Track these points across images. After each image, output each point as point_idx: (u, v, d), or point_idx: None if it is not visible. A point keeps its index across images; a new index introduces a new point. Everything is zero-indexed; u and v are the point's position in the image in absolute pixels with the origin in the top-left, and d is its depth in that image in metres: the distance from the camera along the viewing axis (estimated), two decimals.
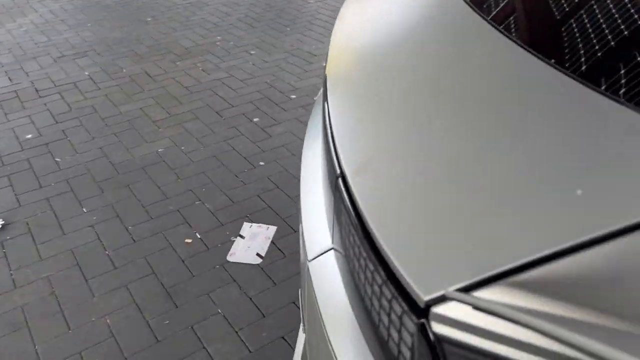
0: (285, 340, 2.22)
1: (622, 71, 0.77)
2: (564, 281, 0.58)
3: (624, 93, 0.73)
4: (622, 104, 0.72)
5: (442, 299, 0.65)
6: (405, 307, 0.69)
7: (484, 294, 0.62)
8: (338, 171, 0.94)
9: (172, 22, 5.63)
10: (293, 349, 2.20)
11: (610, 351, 0.51)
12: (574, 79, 0.80)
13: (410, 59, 1.05)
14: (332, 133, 1.05)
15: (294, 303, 2.38)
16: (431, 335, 0.66)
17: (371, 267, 0.78)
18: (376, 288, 0.77)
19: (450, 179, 0.76)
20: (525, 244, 0.62)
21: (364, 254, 0.80)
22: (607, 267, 0.57)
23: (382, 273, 0.74)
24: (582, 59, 0.83)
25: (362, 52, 1.21)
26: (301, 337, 1.50)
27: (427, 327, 0.66)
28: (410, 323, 0.68)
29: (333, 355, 0.89)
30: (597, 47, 0.85)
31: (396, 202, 0.79)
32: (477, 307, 0.56)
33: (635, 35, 0.83)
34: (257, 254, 2.63)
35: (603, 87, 0.76)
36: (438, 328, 0.65)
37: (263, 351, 2.17)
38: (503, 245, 0.64)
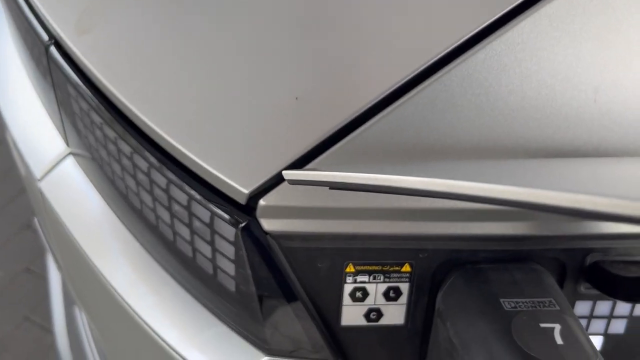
0: (32, 270, 1.83)
1: None
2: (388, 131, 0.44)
3: None
4: None
5: (270, 187, 0.45)
6: (217, 210, 0.48)
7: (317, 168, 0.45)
8: (46, 37, 0.62)
9: None
10: (44, 278, 1.83)
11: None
12: None
13: None
14: None
15: (28, 226, 1.95)
16: (263, 236, 0.47)
17: (144, 166, 0.53)
18: (159, 193, 0.53)
19: (216, 24, 0.53)
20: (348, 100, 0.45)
21: (128, 150, 0.54)
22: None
23: (169, 172, 0.50)
24: None
25: None
26: (55, 275, 1.19)
27: (255, 226, 0.47)
28: (228, 228, 0.48)
29: (114, 291, 0.65)
30: None
31: (154, 65, 0.53)
32: (327, 184, 0.38)
33: None
34: None
35: None
36: (271, 224, 0.46)
37: (4, 293, 1.76)
38: (316, 108, 0.46)
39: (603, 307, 0.54)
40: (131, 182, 0.57)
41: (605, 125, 0.44)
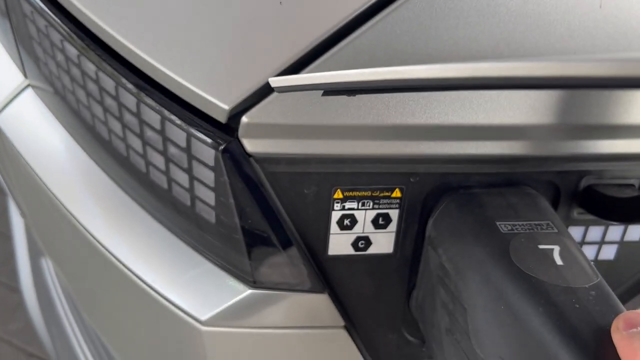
0: None
1: None
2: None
3: None
4: None
5: (253, 104, 0.41)
6: (194, 131, 0.44)
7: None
8: None
9: None
10: (8, 237, 1.76)
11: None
12: None
13: None
14: None
15: None
16: (245, 160, 0.44)
17: (110, 87, 0.48)
18: (129, 118, 0.49)
19: None
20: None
21: (92, 70, 0.49)
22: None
23: (139, 92, 0.46)
24: None
25: None
26: (19, 227, 1.13)
27: (237, 149, 0.43)
28: (207, 151, 0.44)
29: (85, 233, 0.61)
30: None
31: None
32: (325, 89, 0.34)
33: None
34: None
35: None
36: (254, 145, 0.43)
37: None
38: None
39: (595, 232, 0.53)
40: (97, 109, 0.53)
41: (610, 34, 0.41)
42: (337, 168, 0.45)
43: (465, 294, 0.42)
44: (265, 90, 0.40)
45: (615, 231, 0.53)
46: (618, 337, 0.31)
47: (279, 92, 0.36)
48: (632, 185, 0.51)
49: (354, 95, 0.36)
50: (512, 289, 0.38)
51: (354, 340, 0.54)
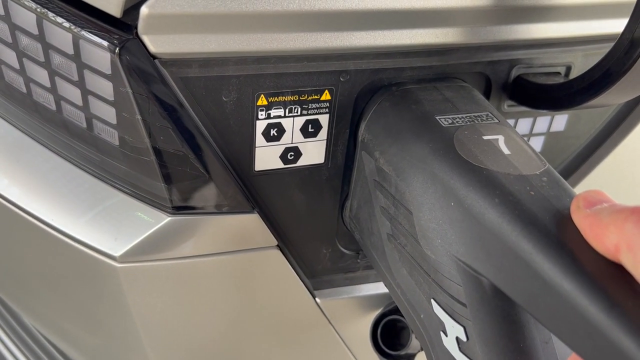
0: None
1: None
2: None
3: None
4: None
5: None
6: (82, 32, 0.36)
7: None
8: None
9: None
10: None
11: None
12: None
13: None
14: None
15: None
16: (150, 63, 0.37)
17: None
18: None
19: None
20: None
21: None
22: None
23: None
24: None
25: None
26: None
27: (138, 50, 0.36)
28: (100, 56, 0.36)
29: None
30: None
31: None
32: None
33: None
34: None
35: None
36: (159, 44, 0.36)
37: None
38: None
39: (524, 125, 0.52)
40: None
41: None
42: (260, 69, 0.39)
43: (408, 196, 0.39)
44: None
45: (542, 122, 0.52)
46: (580, 216, 0.29)
47: None
48: (559, 73, 0.50)
49: None
50: (463, 182, 0.35)
51: (288, 259, 0.50)
